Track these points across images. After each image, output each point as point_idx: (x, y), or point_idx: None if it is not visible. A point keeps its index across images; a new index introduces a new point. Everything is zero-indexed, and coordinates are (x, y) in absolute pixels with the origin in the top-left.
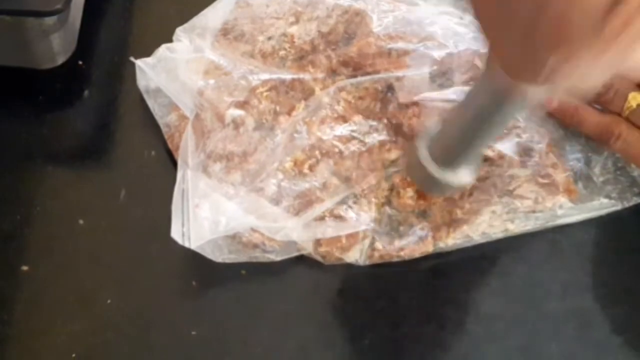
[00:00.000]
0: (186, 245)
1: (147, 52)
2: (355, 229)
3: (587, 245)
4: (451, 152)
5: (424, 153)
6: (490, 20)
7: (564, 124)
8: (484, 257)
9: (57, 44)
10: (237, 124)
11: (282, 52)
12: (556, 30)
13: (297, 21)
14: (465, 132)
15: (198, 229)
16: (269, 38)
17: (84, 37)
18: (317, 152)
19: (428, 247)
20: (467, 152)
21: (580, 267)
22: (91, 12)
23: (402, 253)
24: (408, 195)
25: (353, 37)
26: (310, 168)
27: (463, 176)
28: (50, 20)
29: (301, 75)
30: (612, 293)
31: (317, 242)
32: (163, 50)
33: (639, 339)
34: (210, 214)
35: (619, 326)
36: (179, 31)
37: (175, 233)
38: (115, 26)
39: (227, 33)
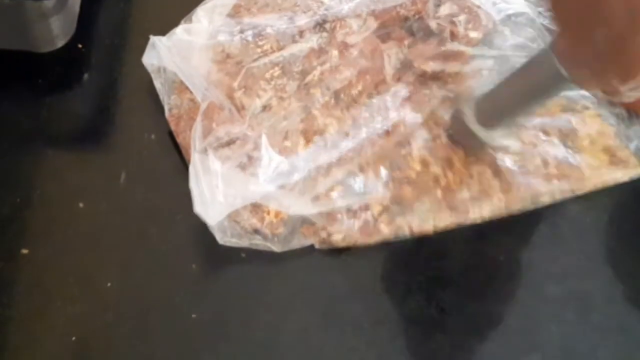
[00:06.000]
0: (207, 222)
1: (147, 35)
2: (363, 201)
3: (587, 229)
4: (496, 116)
5: (468, 113)
6: (569, 22)
7: (625, 107)
8: (483, 240)
9: (56, 27)
10: (247, 108)
11: (309, 13)
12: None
13: None
14: (515, 100)
15: (217, 205)
16: (295, 4)
17: (84, 20)
18: (329, 129)
19: (429, 228)
20: (511, 117)
21: (580, 250)
22: None
23: (403, 233)
24: (412, 175)
25: None
26: (320, 143)
27: (499, 138)
28: (49, 3)
29: (323, 37)
30: (612, 276)
31: (326, 229)
32: (180, 31)
33: (638, 323)
34: (226, 192)
35: (618, 309)
36: (200, 10)
37: (198, 209)
38: (115, 9)
39: (250, 6)
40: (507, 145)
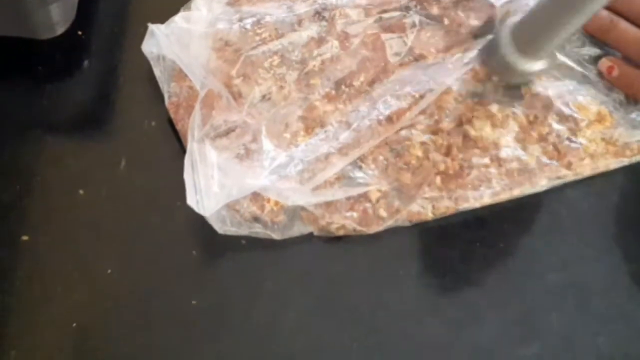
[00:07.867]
0: (201, 213)
1: (147, 22)
2: (363, 190)
3: (586, 215)
4: (539, 36)
5: (506, 38)
6: None
7: (625, 93)
8: (483, 226)
9: (56, 13)
10: (245, 97)
11: (308, 1)
12: None
13: None
14: (560, 12)
15: (212, 196)
16: None
17: (84, 7)
18: (330, 119)
19: (428, 214)
20: (557, 35)
21: (580, 237)
22: None
23: (402, 219)
24: (412, 162)
25: None
26: (321, 135)
27: (539, 64)
28: None
29: (322, 26)
30: (612, 263)
31: (325, 217)
32: (179, 19)
33: (639, 310)
34: (222, 183)
35: (619, 297)
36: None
37: (191, 201)
38: None
39: None
40: (543, 69)
